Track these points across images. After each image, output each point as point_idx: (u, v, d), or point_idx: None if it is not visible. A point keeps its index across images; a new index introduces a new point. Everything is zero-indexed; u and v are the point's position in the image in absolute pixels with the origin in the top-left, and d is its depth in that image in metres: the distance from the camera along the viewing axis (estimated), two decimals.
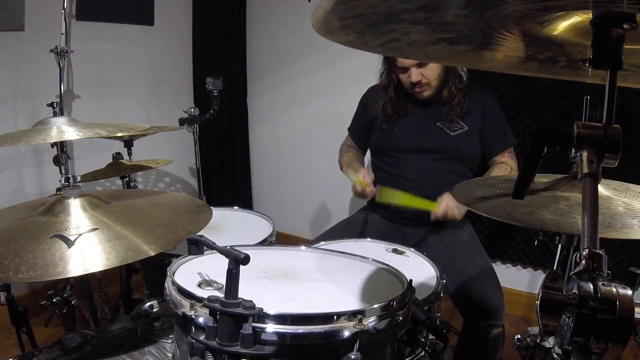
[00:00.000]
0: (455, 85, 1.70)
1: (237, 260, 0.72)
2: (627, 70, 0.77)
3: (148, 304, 1.14)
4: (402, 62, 1.67)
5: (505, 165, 1.75)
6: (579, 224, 0.81)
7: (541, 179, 1.02)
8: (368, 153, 2.02)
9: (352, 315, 0.75)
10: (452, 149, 1.72)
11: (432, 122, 1.74)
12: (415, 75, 1.65)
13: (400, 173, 1.76)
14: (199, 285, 0.89)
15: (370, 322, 0.75)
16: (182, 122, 2.15)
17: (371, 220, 1.82)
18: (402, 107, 1.78)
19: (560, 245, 1.15)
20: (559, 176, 1.02)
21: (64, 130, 1.03)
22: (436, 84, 1.69)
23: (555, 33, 0.68)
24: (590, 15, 0.61)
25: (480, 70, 2.14)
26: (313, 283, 0.95)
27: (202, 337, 0.72)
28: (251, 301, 0.71)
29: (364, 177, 1.66)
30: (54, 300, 1.51)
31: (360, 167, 1.86)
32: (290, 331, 0.72)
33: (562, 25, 0.66)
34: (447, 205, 1.58)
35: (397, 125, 1.78)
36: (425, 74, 1.65)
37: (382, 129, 1.81)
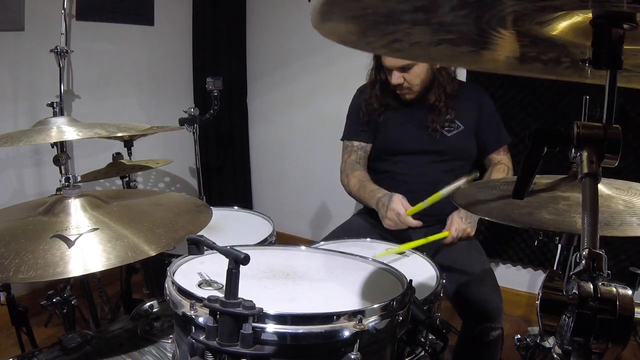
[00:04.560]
0: (438, 96, 1.69)
1: (237, 260, 0.72)
2: (631, 71, 0.77)
3: (148, 304, 1.14)
4: (386, 63, 1.66)
5: (503, 166, 1.76)
6: (577, 224, 0.81)
7: (541, 179, 1.02)
8: None
9: (352, 315, 0.75)
10: (450, 149, 1.72)
11: (427, 124, 1.72)
12: (395, 77, 1.64)
13: (395, 177, 1.76)
14: (199, 285, 0.89)
15: (370, 322, 0.75)
16: (182, 122, 2.15)
17: (367, 224, 1.81)
18: (388, 104, 1.76)
19: (560, 245, 1.15)
20: (559, 177, 1.02)
21: (64, 130, 1.03)
22: (418, 89, 1.68)
23: (556, 33, 0.68)
24: (590, 15, 0.61)
25: (480, 70, 2.15)
26: (313, 283, 0.94)
27: (202, 337, 0.72)
28: (251, 301, 0.71)
29: (403, 205, 1.51)
30: (54, 300, 1.52)
31: (375, 186, 1.70)
32: (290, 331, 0.72)
33: (563, 26, 0.66)
34: (457, 228, 1.59)
35: (392, 127, 1.78)
36: (407, 78, 1.64)
37: (377, 129, 1.79)
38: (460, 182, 1.35)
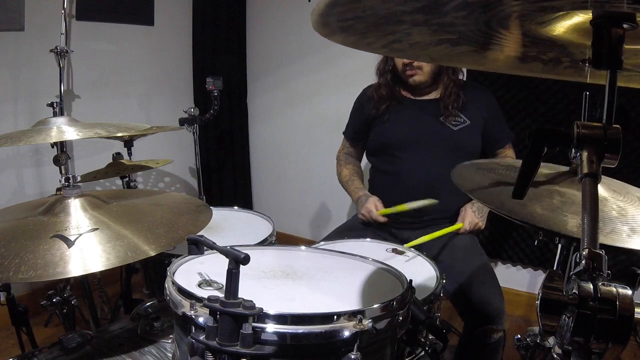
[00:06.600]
0: (448, 76, 1.72)
1: (237, 260, 0.72)
2: (632, 71, 0.77)
3: (148, 304, 1.14)
4: None
5: (509, 158, 1.81)
6: (567, 224, 0.81)
7: (543, 169, 1.00)
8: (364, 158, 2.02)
9: (352, 315, 0.75)
10: (455, 144, 1.72)
11: (433, 118, 1.73)
12: None
13: (399, 171, 1.76)
14: (199, 285, 0.89)
15: (370, 322, 0.75)
16: (182, 122, 2.16)
17: (368, 225, 1.81)
18: (397, 93, 1.79)
19: (560, 245, 1.14)
20: (562, 169, 1.01)
21: (64, 130, 1.03)
22: (428, 70, 1.70)
23: (556, 33, 0.68)
24: (590, 16, 0.61)
25: (480, 70, 2.15)
26: (313, 283, 0.94)
27: (202, 337, 0.72)
28: (251, 301, 0.71)
29: (377, 206, 1.72)
30: (54, 300, 1.52)
31: (361, 184, 1.90)
32: (290, 331, 0.72)
33: (563, 26, 0.66)
34: (470, 221, 1.67)
35: (397, 121, 1.78)
36: None
37: (381, 124, 1.80)
38: (425, 202, 1.56)
